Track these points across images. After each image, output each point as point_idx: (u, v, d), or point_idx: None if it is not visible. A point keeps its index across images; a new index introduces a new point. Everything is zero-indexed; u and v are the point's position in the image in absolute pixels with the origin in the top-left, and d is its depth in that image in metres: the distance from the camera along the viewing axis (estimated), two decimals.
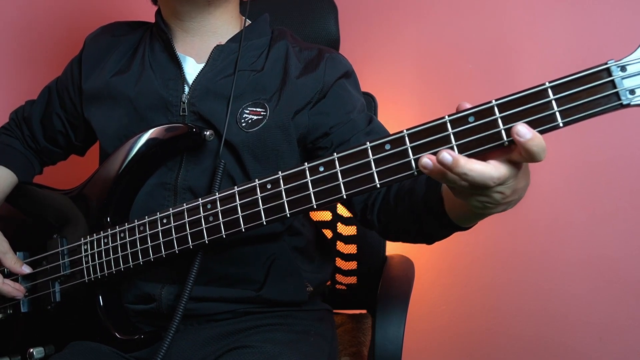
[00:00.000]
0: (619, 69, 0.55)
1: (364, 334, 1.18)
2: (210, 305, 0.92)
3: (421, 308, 1.52)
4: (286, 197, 0.73)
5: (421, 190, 0.78)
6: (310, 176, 0.71)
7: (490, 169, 0.58)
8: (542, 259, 1.45)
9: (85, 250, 0.92)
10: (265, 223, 0.75)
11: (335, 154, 0.69)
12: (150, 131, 0.90)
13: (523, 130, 0.56)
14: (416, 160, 0.63)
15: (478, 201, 0.63)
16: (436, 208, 0.75)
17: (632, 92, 0.54)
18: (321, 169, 0.70)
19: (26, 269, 0.98)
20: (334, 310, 1.10)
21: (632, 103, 0.54)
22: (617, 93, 0.55)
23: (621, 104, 0.55)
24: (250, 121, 0.90)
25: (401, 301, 1.02)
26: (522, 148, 0.57)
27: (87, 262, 0.91)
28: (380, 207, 0.86)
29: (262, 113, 0.90)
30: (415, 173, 0.64)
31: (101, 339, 0.91)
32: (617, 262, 1.41)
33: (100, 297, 0.92)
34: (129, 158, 0.91)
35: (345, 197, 0.68)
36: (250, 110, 0.91)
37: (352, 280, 1.28)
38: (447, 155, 0.58)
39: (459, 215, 0.73)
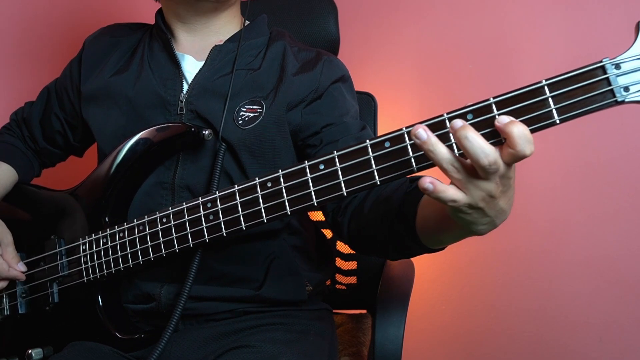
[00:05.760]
0: (613, 66, 0.56)
1: (364, 334, 1.18)
2: (209, 305, 0.92)
3: (421, 308, 1.52)
4: (287, 195, 0.73)
5: (398, 200, 0.77)
6: (311, 174, 0.71)
7: (488, 145, 0.57)
8: (542, 258, 1.45)
9: (84, 251, 0.92)
10: (266, 221, 0.75)
11: (335, 151, 0.69)
12: (147, 131, 0.91)
13: (503, 117, 0.57)
14: (416, 157, 0.64)
15: (475, 197, 0.60)
16: (408, 219, 0.74)
17: (626, 89, 0.55)
18: (321, 166, 0.70)
19: (22, 267, 0.98)
20: (334, 310, 1.10)
21: (626, 100, 0.55)
22: (612, 90, 0.56)
23: (616, 100, 0.56)
24: (247, 118, 0.91)
25: (401, 301, 1.02)
26: (503, 134, 0.57)
27: (85, 263, 0.91)
28: (354, 211, 0.85)
29: (258, 110, 0.91)
30: (415, 170, 0.64)
31: (101, 339, 0.91)
32: (617, 262, 1.41)
33: (99, 297, 0.92)
34: (127, 158, 0.91)
35: (346, 194, 0.69)
36: (247, 108, 0.92)
37: (352, 280, 1.28)
38: (458, 121, 0.58)
39: (432, 230, 0.72)
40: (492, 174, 0.58)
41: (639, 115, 1.37)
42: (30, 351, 0.95)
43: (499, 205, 0.62)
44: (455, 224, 0.65)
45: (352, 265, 1.28)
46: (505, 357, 1.49)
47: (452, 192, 0.60)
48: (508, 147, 0.57)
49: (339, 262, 1.28)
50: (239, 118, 0.91)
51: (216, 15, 0.98)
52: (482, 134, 0.59)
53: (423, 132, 0.59)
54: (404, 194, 0.77)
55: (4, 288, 1.00)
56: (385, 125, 1.23)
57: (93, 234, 0.92)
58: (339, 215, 0.88)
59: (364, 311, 1.29)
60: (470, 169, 0.59)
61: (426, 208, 0.72)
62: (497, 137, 0.59)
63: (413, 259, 1.24)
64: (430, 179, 0.59)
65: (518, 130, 0.56)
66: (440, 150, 0.59)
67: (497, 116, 0.58)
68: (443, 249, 0.77)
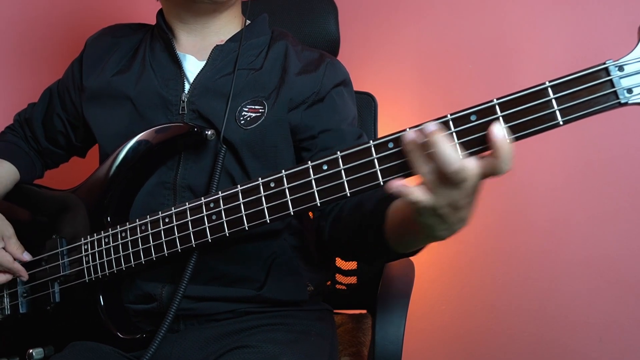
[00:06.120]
0: (616, 68, 0.56)
1: (364, 334, 1.18)
2: (210, 305, 0.92)
3: (421, 308, 1.52)
4: (290, 196, 0.73)
5: (370, 205, 0.79)
6: (314, 174, 0.71)
7: (456, 152, 0.59)
8: (542, 258, 1.46)
9: (86, 250, 0.92)
10: (269, 221, 0.75)
11: (339, 152, 0.69)
12: (149, 131, 0.91)
13: (499, 131, 0.58)
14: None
15: (440, 202, 0.62)
16: (379, 224, 0.76)
17: (629, 90, 0.56)
18: (325, 167, 0.70)
19: (27, 256, 0.98)
20: (334, 310, 1.10)
21: (629, 102, 0.56)
22: (615, 92, 0.56)
23: (619, 102, 0.56)
24: (248, 118, 0.91)
25: (401, 301, 1.02)
26: (493, 145, 0.58)
27: (87, 262, 0.91)
28: (335, 217, 0.87)
29: (260, 110, 0.91)
30: None
31: (102, 339, 0.91)
32: (617, 262, 1.41)
33: (100, 297, 0.92)
34: (128, 158, 0.91)
35: (349, 195, 0.69)
36: (249, 108, 0.92)
37: (352, 280, 1.28)
38: (431, 125, 0.61)
39: (399, 235, 0.74)
40: (459, 183, 0.59)
41: (639, 115, 1.38)
42: (31, 351, 0.94)
43: (461, 215, 0.64)
44: (417, 227, 0.67)
45: (352, 265, 1.28)
46: (505, 357, 1.49)
47: (418, 193, 0.61)
48: (493, 157, 0.58)
49: (339, 262, 1.28)
50: (241, 118, 0.91)
51: (215, 15, 0.98)
52: (485, 135, 0.60)
53: (411, 133, 0.62)
54: (377, 201, 0.79)
55: (6, 286, 1.00)
56: (386, 125, 1.23)
57: (95, 234, 0.92)
58: (322, 220, 0.90)
59: (364, 311, 1.29)
60: (442, 176, 0.60)
61: (395, 212, 0.74)
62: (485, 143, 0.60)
63: (413, 259, 1.24)
64: (398, 183, 0.61)
65: (508, 147, 0.58)
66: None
67: (493, 128, 0.59)
68: (413, 253, 0.79)
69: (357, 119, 0.99)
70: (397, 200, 0.73)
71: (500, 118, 0.59)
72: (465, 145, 0.61)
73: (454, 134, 0.62)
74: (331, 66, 0.96)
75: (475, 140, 0.61)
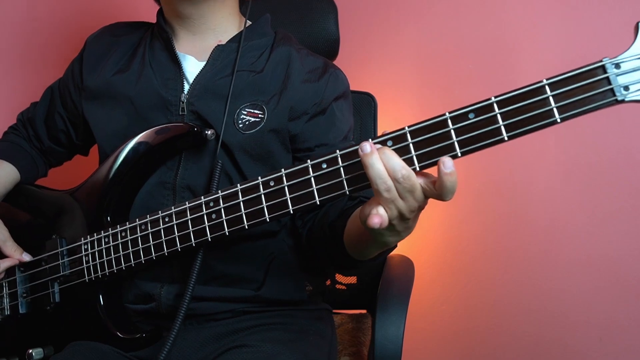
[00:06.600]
0: (613, 66, 0.57)
1: (364, 334, 1.18)
2: (209, 305, 0.92)
3: (421, 307, 1.52)
4: (289, 194, 0.73)
5: (334, 215, 0.85)
6: (313, 172, 0.71)
7: (403, 162, 0.63)
8: (542, 258, 1.46)
9: (86, 250, 0.92)
10: (268, 220, 0.76)
11: (337, 151, 0.70)
12: (149, 132, 0.91)
13: (449, 163, 0.61)
14: (418, 156, 0.65)
15: (392, 215, 0.66)
16: (338, 232, 0.82)
17: (626, 88, 0.56)
18: (324, 165, 0.71)
19: (26, 257, 0.98)
20: (334, 310, 1.10)
21: (626, 99, 0.56)
22: (612, 89, 0.57)
23: (616, 99, 0.57)
24: (247, 123, 0.91)
25: (401, 301, 1.02)
26: (440, 178, 0.61)
27: (87, 262, 0.92)
28: (310, 227, 0.91)
29: (259, 115, 0.91)
30: (418, 168, 0.65)
31: (101, 339, 0.91)
32: (617, 262, 1.41)
33: (100, 296, 0.92)
34: (128, 159, 0.92)
35: (347, 193, 0.69)
36: (248, 111, 0.92)
37: (352, 280, 1.28)
38: (367, 145, 0.64)
39: (354, 245, 0.80)
40: (408, 192, 0.64)
41: (639, 115, 1.38)
42: (30, 351, 0.95)
43: (408, 224, 0.69)
44: (369, 236, 0.73)
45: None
46: (505, 356, 1.49)
47: (380, 211, 0.66)
48: (436, 188, 0.63)
49: None
50: (240, 121, 0.91)
51: (210, 5, 0.96)
52: (483, 133, 0.60)
53: (367, 146, 0.64)
54: (338, 214, 0.85)
55: (5, 286, 1.01)
56: (385, 125, 1.23)
57: (95, 234, 0.92)
58: (301, 227, 0.93)
59: (364, 311, 1.29)
60: (395, 182, 0.64)
61: (351, 223, 0.80)
62: (499, 135, 0.60)
63: (413, 259, 1.24)
64: (379, 220, 0.64)
65: (451, 183, 0.61)
66: (379, 167, 0.63)
67: (444, 158, 0.61)
68: (374, 260, 0.83)
69: (353, 129, 1.01)
70: (355, 211, 0.79)
71: (498, 115, 0.60)
72: (463, 143, 0.62)
73: (452, 131, 0.62)
74: (334, 77, 0.96)
75: (474, 138, 0.61)
